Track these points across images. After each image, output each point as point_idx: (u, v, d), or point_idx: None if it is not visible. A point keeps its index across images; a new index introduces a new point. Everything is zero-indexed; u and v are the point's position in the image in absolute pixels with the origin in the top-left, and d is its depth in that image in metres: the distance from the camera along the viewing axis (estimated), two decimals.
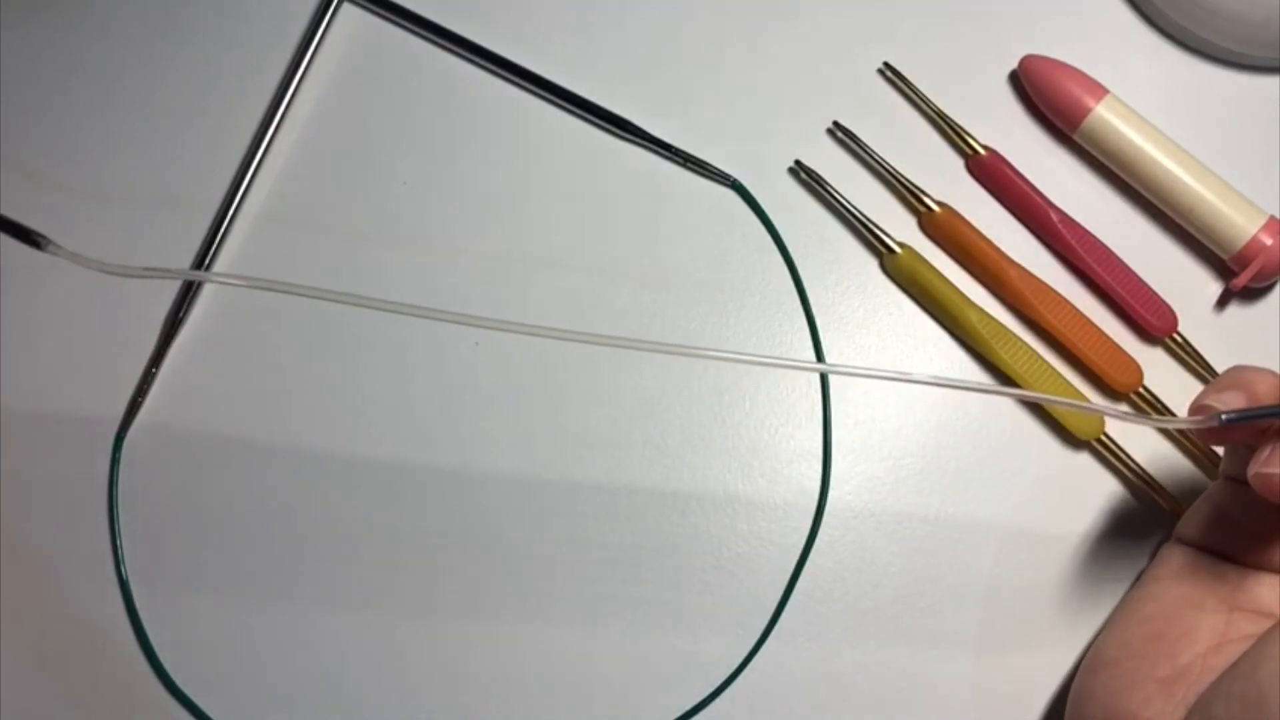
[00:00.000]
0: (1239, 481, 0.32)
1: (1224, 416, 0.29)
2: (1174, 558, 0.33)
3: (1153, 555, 0.36)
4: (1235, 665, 0.29)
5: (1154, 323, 0.38)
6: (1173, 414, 0.38)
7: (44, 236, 0.31)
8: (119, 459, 0.38)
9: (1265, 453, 0.29)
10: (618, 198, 0.39)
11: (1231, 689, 0.29)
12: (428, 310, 0.33)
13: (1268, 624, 0.31)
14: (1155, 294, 0.38)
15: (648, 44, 0.40)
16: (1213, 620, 0.31)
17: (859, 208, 0.39)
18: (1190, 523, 0.34)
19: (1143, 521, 0.37)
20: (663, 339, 0.39)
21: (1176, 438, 0.38)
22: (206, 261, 0.38)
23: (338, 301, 0.30)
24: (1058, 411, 0.37)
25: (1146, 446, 0.38)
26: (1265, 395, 0.30)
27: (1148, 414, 0.38)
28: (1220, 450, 0.36)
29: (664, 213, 0.39)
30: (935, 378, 0.37)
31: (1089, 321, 0.38)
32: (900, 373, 0.34)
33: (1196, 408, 0.30)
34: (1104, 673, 0.32)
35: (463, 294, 0.39)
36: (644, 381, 0.38)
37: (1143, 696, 0.31)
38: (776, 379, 0.38)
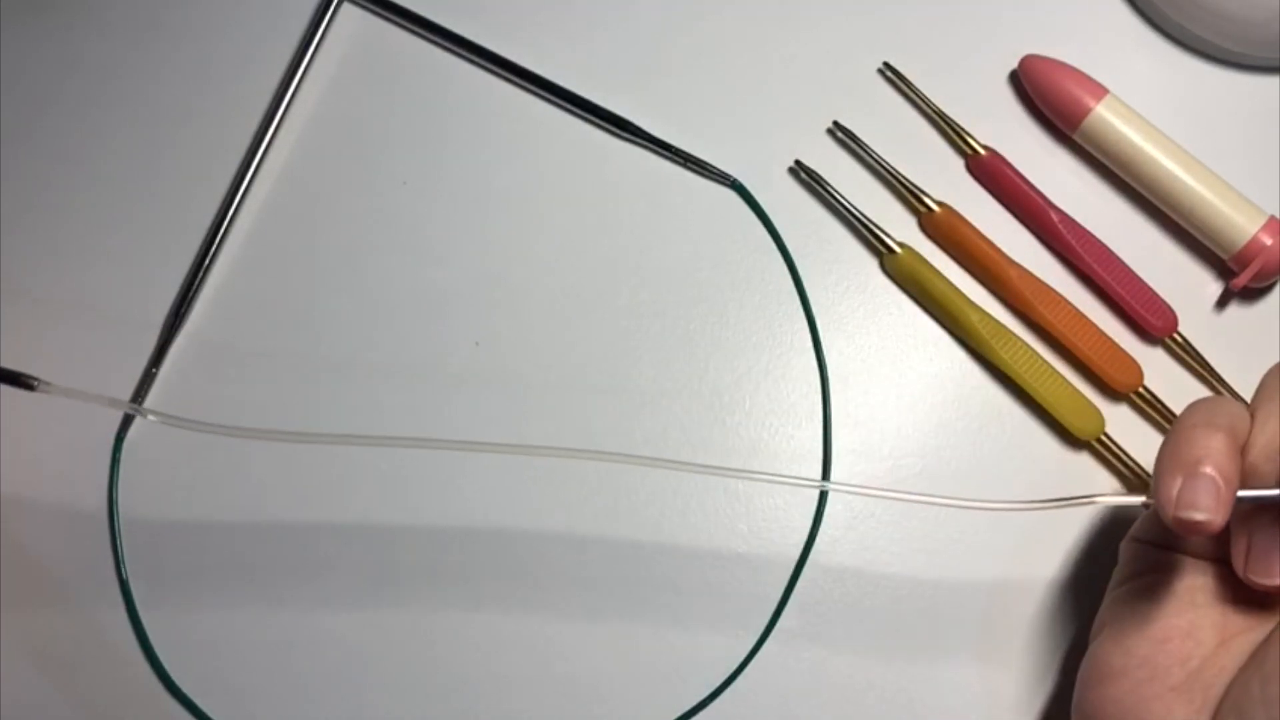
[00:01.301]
0: None
1: (1146, 501, 0.30)
2: (1148, 553, 0.33)
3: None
4: (1263, 667, 0.29)
5: (1154, 323, 0.38)
6: (1172, 414, 0.38)
7: (36, 379, 0.30)
8: (119, 459, 0.38)
9: (1242, 551, 0.30)
10: (618, 198, 0.39)
11: (1267, 692, 0.28)
12: (389, 439, 0.37)
13: (1261, 613, 0.31)
14: (1155, 294, 0.38)
15: (648, 44, 0.40)
16: (1210, 615, 0.31)
17: (859, 208, 0.39)
18: (1154, 530, 0.33)
19: None
20: (663, 339, 0.39)
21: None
22: (207, 261, 0.38)
23: (280, 440, 0.34)
24: (1057, 411, 0.37)
25: (1147, 446, 0.38)
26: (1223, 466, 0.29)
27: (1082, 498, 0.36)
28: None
29: (664, 213, 0.39)
30: (936, 498, 0.35)
31: (1089, 321, 0.38)
32: (903, 492, 0.35)
33: (1177, 521, 0.29)
34: (1114, 684, 0.31)
35: (462, 295, 0.39)
36: (643, 382, 0.38)
37: (1163, 707, 0.30)
38: (776, 379, 0.38)
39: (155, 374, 0.38)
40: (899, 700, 0.37)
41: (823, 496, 0.38)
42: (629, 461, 0.36)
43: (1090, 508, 0.38)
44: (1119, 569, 0.33)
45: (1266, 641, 0.30)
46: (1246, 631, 0.31)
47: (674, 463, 0.36)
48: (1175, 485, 0.29)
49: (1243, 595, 0.31)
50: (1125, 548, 0.33)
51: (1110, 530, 0.37)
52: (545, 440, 0.38)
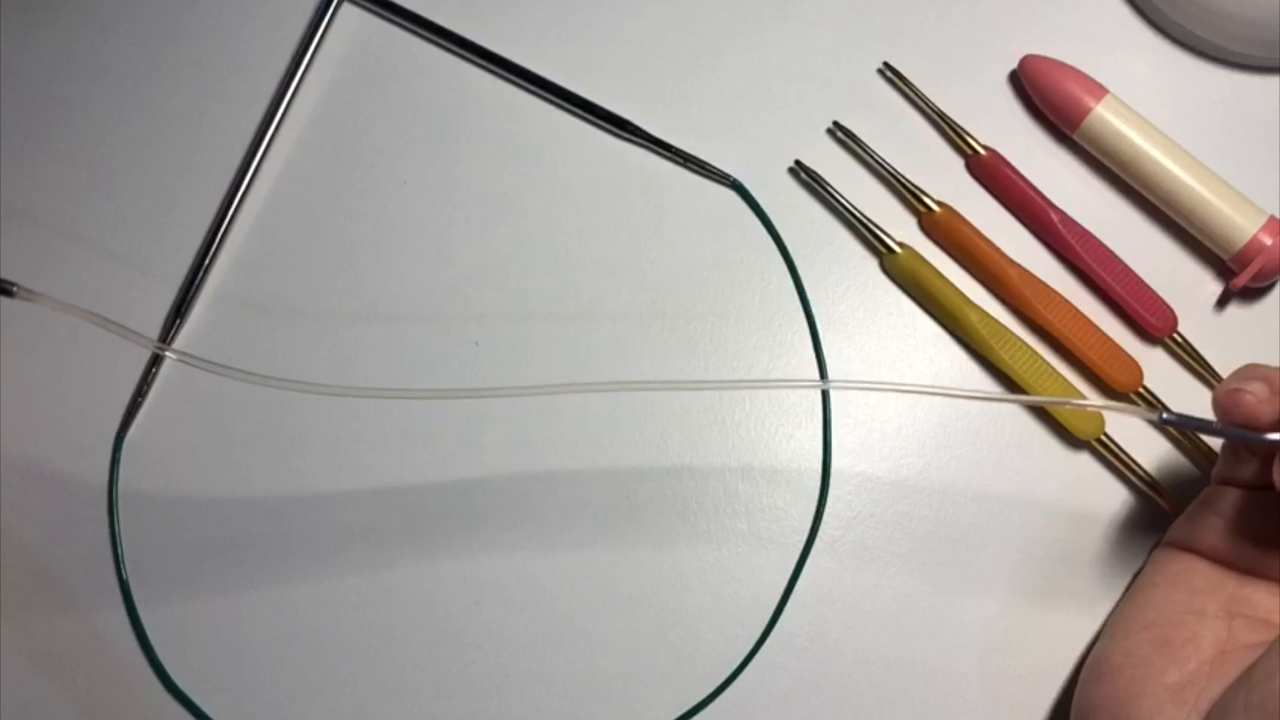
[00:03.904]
0: (1236, 485, 0.32)
1: (1164, 416, 0.30)
2: (1170, 563, 0.33)
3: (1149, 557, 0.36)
4: (1250, 675, 0.29)
5: (1154, 323, 0.38)
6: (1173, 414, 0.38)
7: (13, 283, 0.30)
8: (119, 459, 0.38)
9: None
10: (618, 198, 0.39)
11: (1250, 699, 0.29)
12: (413, 392, 0.36)
13: (1267, 631, 0.31)
14: (1155, 294, 0.38)
15: (648, 44, 0.40)
16: (1215, 626, 0.31)
17: (859, 208, 0.39)
18: (1185, 529, 0.34)
19: (1143, 522, 0.37)
20: (662, 338, 0.39)
21: (1177, 438, 0.38)
22: (207, 262, 0.38)
23: (291, 390, 0.32)
24: (1058, 412, 0.37)
25: (1147, 446, 0.38)
26: None
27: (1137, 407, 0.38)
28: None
29: (664, 213, 0.39)
30: (933, 387, 0.37)
31: (1089, 321, 0.38)
32: (899, 384, 0.34)
33: (1225, 393, 0.30)
34: (1110, 680, 0.32)
35: (462, 294, 0.39)
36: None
37: (1153, 704, 0.31)
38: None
39: (155, 373, 0.38)
40: (899, 701, 0.37)
41: (823, 497, 0.38)
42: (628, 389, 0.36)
43: (1086, 509, 0.38)
44: (1146, 570, 0.34)
45: (1262, 654, 0.30)
46: (1248, 649, 0.31)
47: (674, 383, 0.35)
48: (1227, 382, 0.31)
49: (1251, 614, 0.31)
50: (1156, 554, 0.34)
51: (1112, 534, 0.37)
52: (545, 440, 0.38)
